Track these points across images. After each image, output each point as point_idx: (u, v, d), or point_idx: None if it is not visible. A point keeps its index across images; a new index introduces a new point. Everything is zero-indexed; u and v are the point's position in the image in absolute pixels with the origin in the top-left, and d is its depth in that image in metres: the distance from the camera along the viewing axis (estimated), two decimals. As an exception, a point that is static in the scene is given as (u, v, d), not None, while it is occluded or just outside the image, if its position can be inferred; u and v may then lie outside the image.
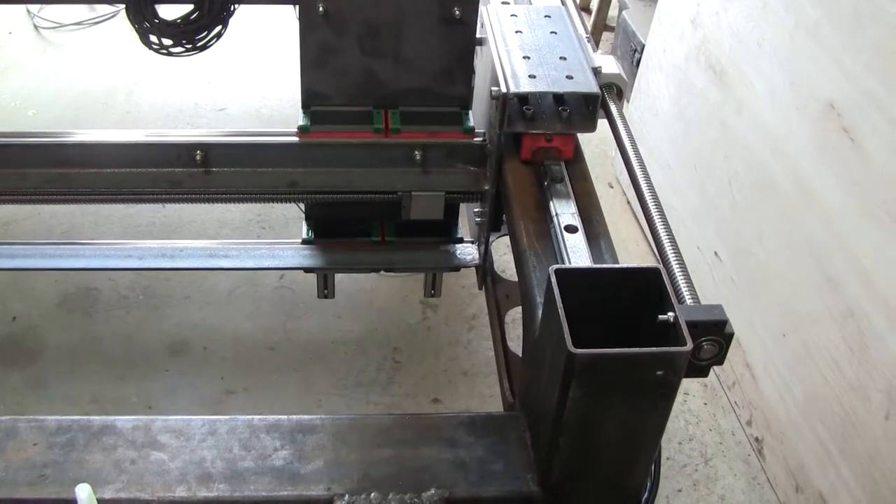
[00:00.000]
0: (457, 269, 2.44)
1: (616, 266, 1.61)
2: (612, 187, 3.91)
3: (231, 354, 3.09)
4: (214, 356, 3.09)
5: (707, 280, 3.09)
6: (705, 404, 3.00)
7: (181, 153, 2.09)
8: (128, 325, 3.20)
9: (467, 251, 2.34)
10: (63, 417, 1.69)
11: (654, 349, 1.38)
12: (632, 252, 3.55)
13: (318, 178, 2.16)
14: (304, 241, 2.41)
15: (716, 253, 3.06)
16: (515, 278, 2.28)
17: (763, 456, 2.78)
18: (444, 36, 2.15)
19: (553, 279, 1.45)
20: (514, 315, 2.36)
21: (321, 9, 2.08)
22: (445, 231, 2.43)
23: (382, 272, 2.57)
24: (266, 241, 2.48)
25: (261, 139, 2.13)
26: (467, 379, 3.01)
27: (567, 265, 1.67)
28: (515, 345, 2.22)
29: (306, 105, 2.21)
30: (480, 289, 2.31)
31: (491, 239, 2.23)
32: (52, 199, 2.18)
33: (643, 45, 3.87)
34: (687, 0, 3.33)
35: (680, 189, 3.34)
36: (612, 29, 4.70)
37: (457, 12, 2.10)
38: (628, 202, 3.80)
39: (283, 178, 2.14)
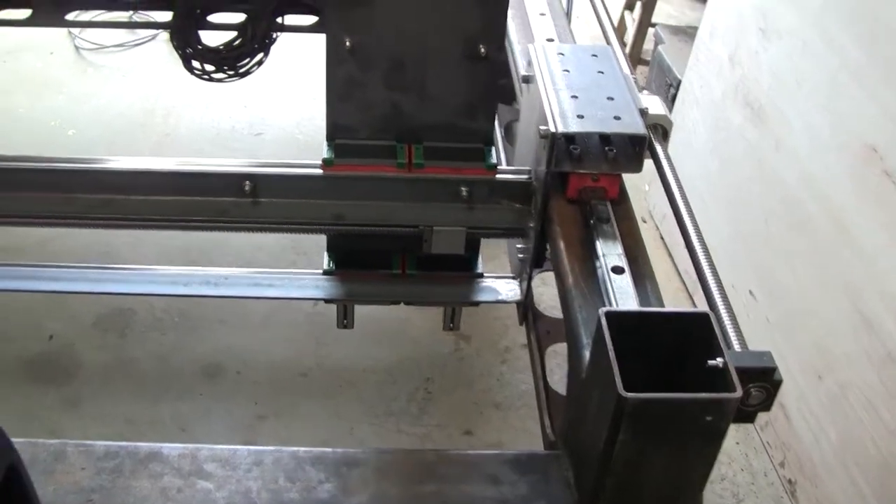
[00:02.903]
0: (476, 304, 2.45)
1: (666, 310, 1.62)
2: (644, 222, 3.91)
3: (264, 379, 3.12)
4: (248, 380, 3.11)
5: (742, 318, 3.05)
6: (737, 443, 2.99)
7: (229, 183, 2.11)
8: (163, 347, 3.22)
9: (509, 287, 2.35)
10: (110, 443, 1.70)
11: (704, 395, 1.39)
12: (665, 289, 3.50)
13: (362, 212, 2.18)
14: (326, 272, 2.42)
15: (750, 291, 3.06)
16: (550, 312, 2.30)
17: (796, 498, 2.77)
18: (468, 73, 2.17)
19: (603, 322, 1.45)
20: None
21: (348, 44, 2.10)
22: (466, 266, 2.44)
23: (403, 304, 2.57)
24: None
25: (307, 171, 2.15)
26: (500, 412, 3.02)
27: (616, 308, 1.68)
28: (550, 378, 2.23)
29: (331, 137, 2.23)
30: (521, 324, 2.32)
31: (533, 275, 2.24)
32: (98, 224, 2.20)
33: (679, 81, 3.88)
34: (725, 38, 3.35)
35: (714, 225, 3.34)
36: (646, 62, 4.72)
37: (482, 50, 2.12)
38: (661, 237, 3.80)
39: (328, 210, 2.16)
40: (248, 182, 2.10)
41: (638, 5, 4.95)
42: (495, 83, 2.25)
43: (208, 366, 3.16)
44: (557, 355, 2.19)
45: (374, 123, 2.22)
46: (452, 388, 3.10)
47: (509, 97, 3.24)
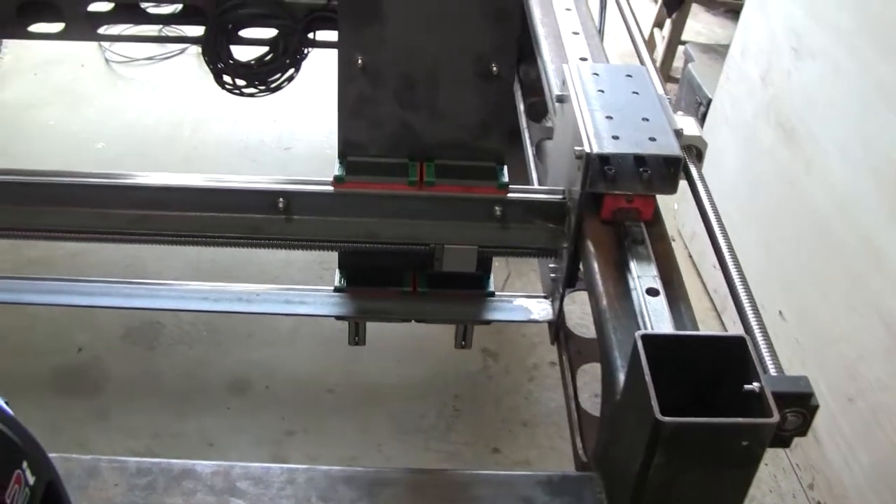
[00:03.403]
0: (487, 322, 2.44)
1: (701, 333, 1.61)
2: (674, 240, 3.89)
3: (292, 394, 3.12)
4: (275, 395, 3.12)
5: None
6: (766, 465, 2.97)
7: (264, 200, 2.12)
8: (190, 361, 3.24)
9: (541, 307, 2.34)
10: (143, 459, 1.71)
11: (741, 420, 1.38)
12: (694, 308, 3.52)
13: (398, 230, 2.18)
14: (336, 289, 2.41)
15: (780, 312, 3.04)
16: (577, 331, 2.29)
17: (826, 521, 2.76)
18: (480, 91, 2.17)
19: (640, 345, 1.45)
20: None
21: (360, 61, 2.10)
22: (478, 284, 2.44)
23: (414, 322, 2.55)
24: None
25: (342, 189, 2.15)
26: (527, 430, 3.02)
27: (651, 331, 1.67)
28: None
29: (343, 155, 2.23)
30: (553, 344, 2.31)
31: (566, 294, 2.23)
32: (132, 240, 2.20)
33: (709, 99, 3.87)
34: (757, 57, 3.34)
35: (743, 244, 3.30)
36: (675, 80, 4.71)
37: (494, 68, 2.12)
38: (690, 256, 3.79)
39: (362, 229, 2.16)
40: (282, 199, 2.11)
41: (668, 23, 4.94)
42: (508, 101, 2.25)
43: (236, 380, 3.17)
44: (585, 374, 2.18)
45: (385, 141, 2.21)
46: (480, 406, 3.10)
47: (539, 114, 3.24)
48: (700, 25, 5.72)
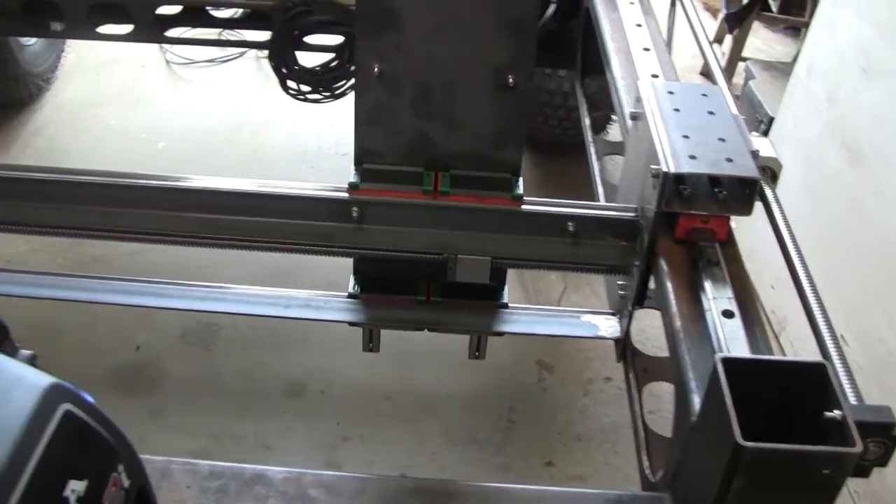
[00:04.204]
0: (500, 334, 2.42)
1: (781, 358, 1.60)
2: (731, 258, 3.87)
3: (347, 400, 3.13)
4: (331, 401, 3.13)
5: (831, 362, 3.04)
6: (823, 489, 2.93)
7: (337, 208, 2.13)
8: (247, 363, 3.26)
9: (608, 323, 2.33)
10: (215, 463, 1.72)
11: (825, 448, 1.37)
12: (753, 327, 3.51)
13: (456, 240, 2.18)
14: (350, 296, 2.41)
15: (842, 336, 3.00)
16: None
17: (885, 549, 2.72)
18: (497, 102, 2.16)
19: (720, 369, 1.44)
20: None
21: (376, 70, 2.11)
22: (492, 295, 2.44)
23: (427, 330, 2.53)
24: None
25: (413, 200, 2.16)
26: (582, 444, 3.01)
27: (732, 354, 1.66)
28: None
29: (358, 162, 2.24)
30: (619, 361, 2.30)
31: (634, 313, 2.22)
32: (203, 243, 2.21)
33: (770, 118, 3.84)
34: (824, 77, 3.31)
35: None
36: (735, 97, 4.67)
37: (511, 80, 2.12)
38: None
39: (433, 240, 2.17)
40: (355, 208, 2.12)
41: (727, 39, 4.92)
42: (524, 113, 2.24)
43: (292, 384, 3.18)
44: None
45: (401, 149, 2.22)
46: (535, 419, 3.09)
47: (598, 128, 3.24)
48: (759, 42, 5.68)
